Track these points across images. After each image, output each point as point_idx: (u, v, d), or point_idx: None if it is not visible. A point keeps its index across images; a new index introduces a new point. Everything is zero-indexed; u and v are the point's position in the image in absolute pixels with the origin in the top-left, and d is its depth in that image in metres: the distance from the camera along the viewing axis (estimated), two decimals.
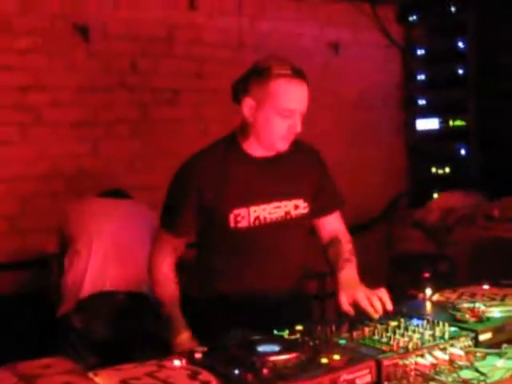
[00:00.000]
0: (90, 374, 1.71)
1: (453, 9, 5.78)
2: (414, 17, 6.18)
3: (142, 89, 4.88)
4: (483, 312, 2.19)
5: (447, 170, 5.98)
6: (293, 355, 1.79)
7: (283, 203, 2.55)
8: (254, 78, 2.44)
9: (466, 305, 2.27)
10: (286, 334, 2.12)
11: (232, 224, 2.47)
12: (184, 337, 2.43)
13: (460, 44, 5.76)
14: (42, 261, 4.08)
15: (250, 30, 5.46)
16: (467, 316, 2.18)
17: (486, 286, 2.62)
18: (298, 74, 2.39)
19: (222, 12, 5.28)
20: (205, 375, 1.70)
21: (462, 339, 1.90)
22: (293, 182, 2.60)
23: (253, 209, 2.51)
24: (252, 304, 2.43)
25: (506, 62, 5.45)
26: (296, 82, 2.38)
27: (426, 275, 3.04)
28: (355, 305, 2.35)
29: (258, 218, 2.52)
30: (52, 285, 3.82)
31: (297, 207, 2.59)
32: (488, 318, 2.15)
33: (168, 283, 2.53)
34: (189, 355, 1.88)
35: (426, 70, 6.16)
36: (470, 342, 1.89)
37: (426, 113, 6.19)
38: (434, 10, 6.01)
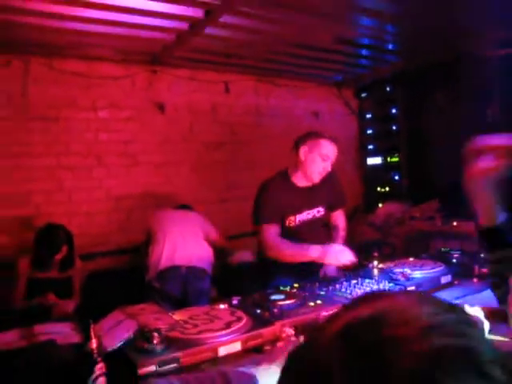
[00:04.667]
0: (170, 313, 1.92)
1: (388, 88, 6.52)
2: (365, 94, 6.85)
3: (196, 142, 5.56)
4: (409, 274, 2.45)
5: (387, 189, 6.56)
6: (292, 301, 2.01)
7: (311, 210, 2.97)
8: (309, 136, 2.85)
9: (398, 270, 2.52)
10: (288, 288, 2.36)
11: (286, 224, 2.91)
12: (313, 247, 2.66)
13: (393, 110, 6.43)
14: (136, 248, 4.67)
15: (264, 104, 6.09)
16: (399, 276, 2.41)
17: (411, 259, 2.90)
18: (333, 139, 2.84)
19: (245, 93, 5.94)
20: (239, 313, 1.85)
21: None
22: (317, 198, 2.98)
23: (297, 215, 2.93)
24: (293, 264, 2.77)
25: (424, 121, 6.01)
26: (331, 142, 2.83)
27: (375, 254, 2.73)
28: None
29: (300, 220, 2.93)
30: (142, 262, 4.22)
31: (319, 212, 3.01)
32: (412, 278, 2.43)
33: (286, 245, 2.77)
34: (229, 301, 2.09)
35: (372, 127, 6.77)
36: None
37: (373, 154, 6.76)
38: (377, 89, 6.66)
